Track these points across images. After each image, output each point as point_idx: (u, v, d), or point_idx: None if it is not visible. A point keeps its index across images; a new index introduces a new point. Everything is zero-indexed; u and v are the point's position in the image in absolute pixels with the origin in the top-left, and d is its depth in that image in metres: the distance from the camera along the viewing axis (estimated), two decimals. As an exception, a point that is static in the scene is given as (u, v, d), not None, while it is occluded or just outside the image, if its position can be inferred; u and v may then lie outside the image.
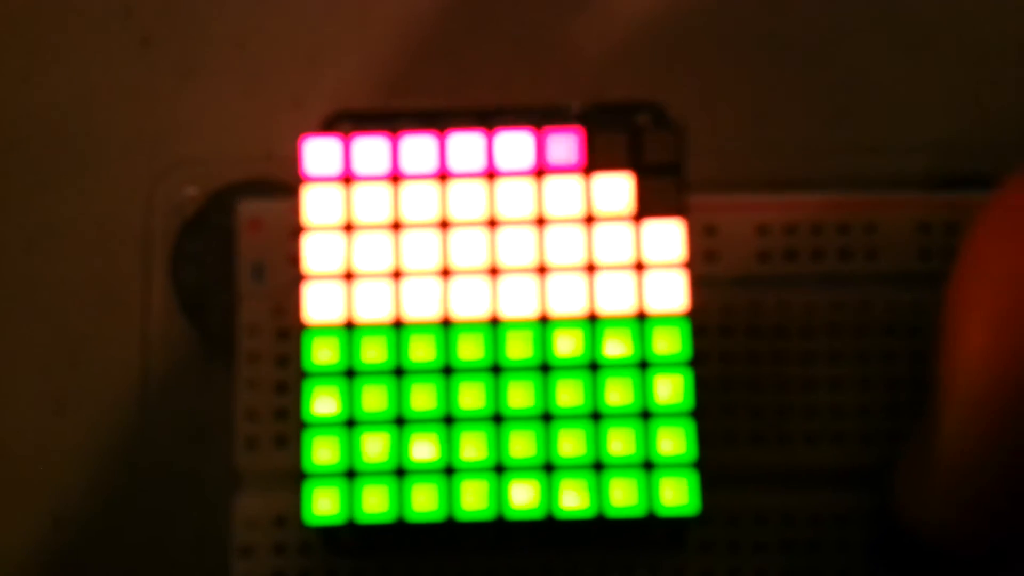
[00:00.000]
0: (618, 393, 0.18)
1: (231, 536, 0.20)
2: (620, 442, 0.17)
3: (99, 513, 0.21)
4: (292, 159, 0.19)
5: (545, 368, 0.18)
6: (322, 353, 0.18)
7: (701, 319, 0.20)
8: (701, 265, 0.20)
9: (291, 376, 0.20)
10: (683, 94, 0.22)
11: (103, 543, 0.21)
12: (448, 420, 0.17)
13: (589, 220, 0.18)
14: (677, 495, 0.17)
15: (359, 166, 0.18)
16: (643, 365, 0.18)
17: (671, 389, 0.18)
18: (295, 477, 0.18)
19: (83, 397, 0.22)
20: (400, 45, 0.23)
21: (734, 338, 0.20)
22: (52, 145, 0.23)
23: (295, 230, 0.20)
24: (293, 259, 0.20)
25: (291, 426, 0.20)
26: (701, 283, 0.20)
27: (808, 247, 0.21)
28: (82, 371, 0.22)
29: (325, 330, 0.18)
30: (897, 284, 0.20)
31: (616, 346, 0.18)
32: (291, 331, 0.20)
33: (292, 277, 0.20)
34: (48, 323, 0.22)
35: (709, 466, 0.19)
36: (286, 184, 0.21)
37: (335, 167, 0.18)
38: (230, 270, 0.21)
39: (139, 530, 0.21)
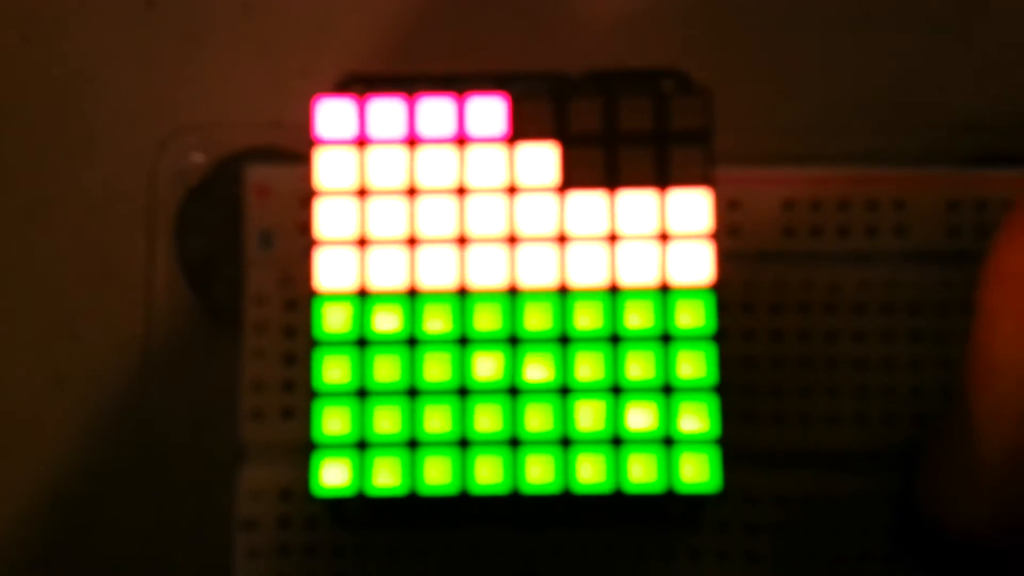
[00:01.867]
0: (639, 367, 0.17)
1: (235, 509, 0.19)
2: (640, 417, 0.17)
3: (100, 487, 0.21)
4: (300, 127, 0.18)
5: (564, 340, 0.17)
6: (333, 321, 0.17)
7: (724, 295, 0.19)
8: (725, 240, 0.20)
9: (299, 347, 0.19)
10: (706, 67, 0.22)
11: (104, 518, 0.21)
12: (463, 392, 0.17)
13: (612, 188, 0.17)
14: (697, 472, 0.17)
15: (374, 129, 0.18)
16: (665, 338, 0.17)
17: (694, 364, 0.17)
18: (302, 450, 0.17)
19: (84, 369, 0.21)
20: (411, 11, 0.22)
21: (757, 315, 0.20)
22: (54, 110, 0.22)
23: (304, 197, 0.19)
24: (302, 227, 0.19)
25: (298, 398, 0.19)
26: (724, 258, 0.19)
27: (834, 223, 0.20)
28: (84, 342, 0.21)
29: (337, 297, 0.17)
30: (925, 262, 0.20)
31: (638, 318, 0.17)
32: (299, 301, 0.19)
33: (301, 246, 0.19)
34: (49, 293, 0.22)
35: (729, 444, 0.19)
36: (294, 152, 0.20)
37: (349, 130, 0.17)
38: (236, 240, 0.20)
39: (142, 504, 0.20)
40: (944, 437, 0.17)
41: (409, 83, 0.18)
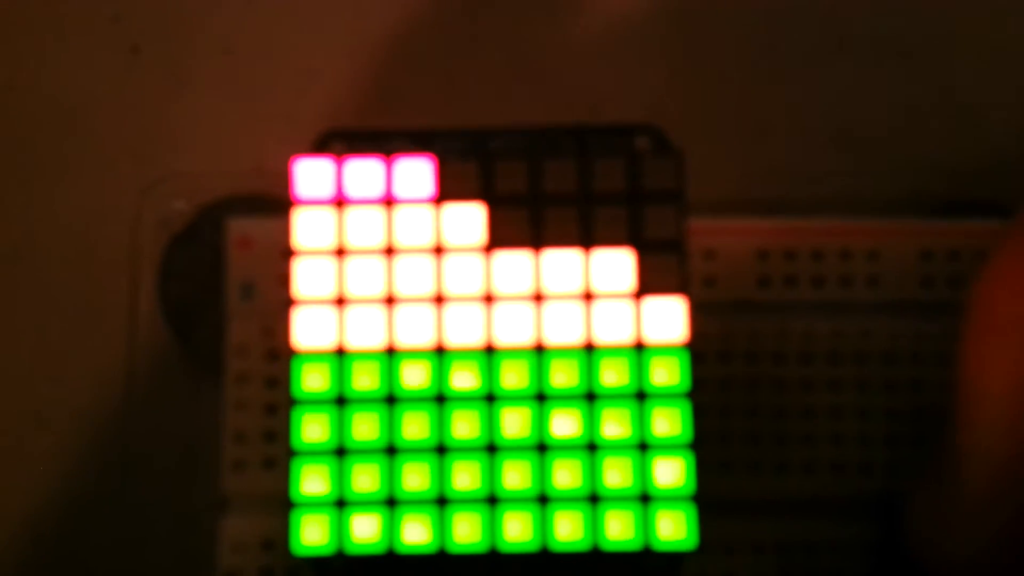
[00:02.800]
0: (615, 424, 0.17)
1: (217, 560, 0.19)
2: (617, 474, 0.17)
3: (80, 532, 0.21)
4: (283, 174, 0.19)
5: (541, 398, 0.17)
6: (312, 380, 0.17)
7: (699, 345, 0.19)
8: (700, 290, 0.20)
9: (280, 398, 0.19)
10: (682, 116, 0.22)
11: (83, 562, 0.21)
12: (441, 449, 0.17)
13: (586, 248, 0.18)
14: (674, 528, 0.17)
15: (352, 189, 0.18)
16: (640, 396, 0.17)
17: (669, 420, 0.17)
18: (283, 501, 0.17)
19: (66, 411, 0.21)
20: (394, 59, 0.23)
21: (733, 364, 0.20)
22: (38, 153, 0.22)
23: (285, 249, 0.19)
24: (283, 279, 0.20)
25: (280, 448, 0.19)
26: (700, 309, 0.20)
27: (809, 273, 0.20)
28: (66, 384, 0.22)
29: (315, 356, 0.17)
30: (899, 312, 0.20)
31: (614, 375, 0.17)
32: (280, 352, 0.20)
33: (282, 297, 0.19)
34: (31, 335, 0.22)
35: (706, 495, 0.19)
36: (277, 200, 0.21)
37: (327, 189, 0.18)
38: (219, 286, 0.20)
39: (121, 550, 0.21)
40: (931, 474, 0.17)
41: (387, 139, 0.19)
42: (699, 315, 0.20)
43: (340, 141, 0.19)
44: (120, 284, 0.22)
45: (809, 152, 0.22)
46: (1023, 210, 0.16)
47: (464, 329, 0.17)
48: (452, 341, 0.17)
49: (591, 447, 0.17)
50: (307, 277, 0.17)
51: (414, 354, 0.17)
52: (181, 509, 0.20)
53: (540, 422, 0.17)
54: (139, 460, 0.21)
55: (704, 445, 0.19)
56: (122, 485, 0.21)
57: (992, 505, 0.16)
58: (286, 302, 0.18)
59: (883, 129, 0.22)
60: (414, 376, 0.17)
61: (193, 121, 0.22)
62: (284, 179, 0.18)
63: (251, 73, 0.23)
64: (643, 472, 0.17)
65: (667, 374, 0.17)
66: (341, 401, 0.17)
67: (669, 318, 0.17)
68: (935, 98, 0.22)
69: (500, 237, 0.18)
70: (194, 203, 0.21)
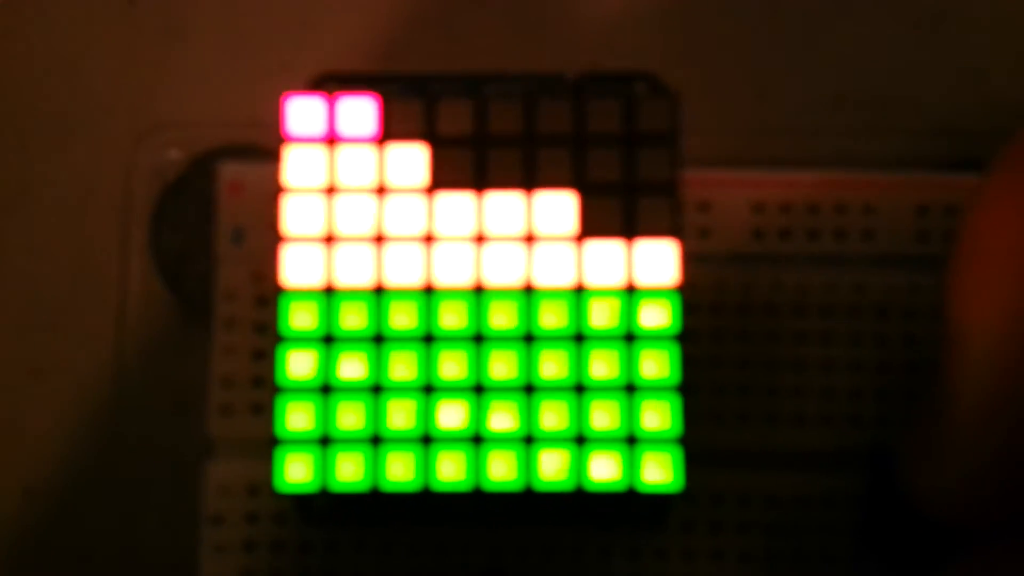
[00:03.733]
0: (603, 366, 0.17)
1: (202, 504, 0.19)
2: (604, 415, 0.17)
3: (71, 482, 0.21)
4: (278, 124, 0.19)
5: (529, 338, 0.17)
6: (300, 317, 0.17)
7: (692, 296, 0.19)
8: (694, 241, 0.20)
9: (269, 343, 0.19)
10: (681, 71, 0.22)
11: (74, 513, 0.21)
12: (427, 389, 0.17)
13: (577, 190, 0.18)
14: (660, 471, 0.17)
15: (343, 127, 0.18)
16: (629, 338, 0.17)
17: (658, 363, 0.17)
18: (269, 446, 0.17)
19: (58, 363, 0.21)
20: (392, 10, 0.23)
21: (725, 316, 0.20)
22: (31, 104, 0.22)
23: (276, 195, 0.20)
24: (274, 224, 0.19)
25: (267, 394, 0.19)
26: (693, 259, 0.20)
27: (804, 226, 0.20)
28: (58, 336, 0.21)
29: (303, 294, 0.17)
30: (893, 266, 0.20)
31: (602, 317, 0.17)
32: (270, 298, 0.20)
33: (272, 242, 0.19)
34: (24, 287, 0.22)
35: (695, 444, 0.19)
36: (272, 150, 0.20)
37: (319, 127, 0.18)
38: (211, 236, 0.20)
39: (112, 499, 0.21)
40: (921, 416, 0.17)
41: (381, 83, 0.18)
42: (692, 266, 0.20)
43: (334, 84, 0.18)
44: (112, 233, 0.22)
45: (809, 112, 0.22)
46: (1013, 142, 0.16)
47: (454, 269, 0.17)
48: (441, 281, 0.17)
49: (578, 388, 0.17)
50: (297, 215, 0.17)
51: (402, 294, 0.17)
52: (173, 457, 0.20)
53: (528, 363, 0.17)
54: (131, 408, 0.21)
55: (694, 396, 0.19)
56: (114, 433, 0.21)
57: (982, 434, 0.16)
58: (275, 239, 0.17)
59: (884, 90, 0.22)
60: (402, 316, 0.17)
61: (189, 71, 0.22)
62: (278, 130, 0.18)
63: (248, 24, 0.23)
64: (630, 414, 0.17)
65: (657, 316, 0.17)
66: (328, 339, 0.17)
67: (661, 261, 0.17)
68: (936, 60, 0.22)
69: (494, 179, 0.18)
70: (188, 153, 0.21)
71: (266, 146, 0.21)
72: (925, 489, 0.17)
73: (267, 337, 0.19)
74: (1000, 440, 0.15)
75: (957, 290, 0.16)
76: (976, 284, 0.15)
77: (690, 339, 0.19)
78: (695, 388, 0.19)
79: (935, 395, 0.17)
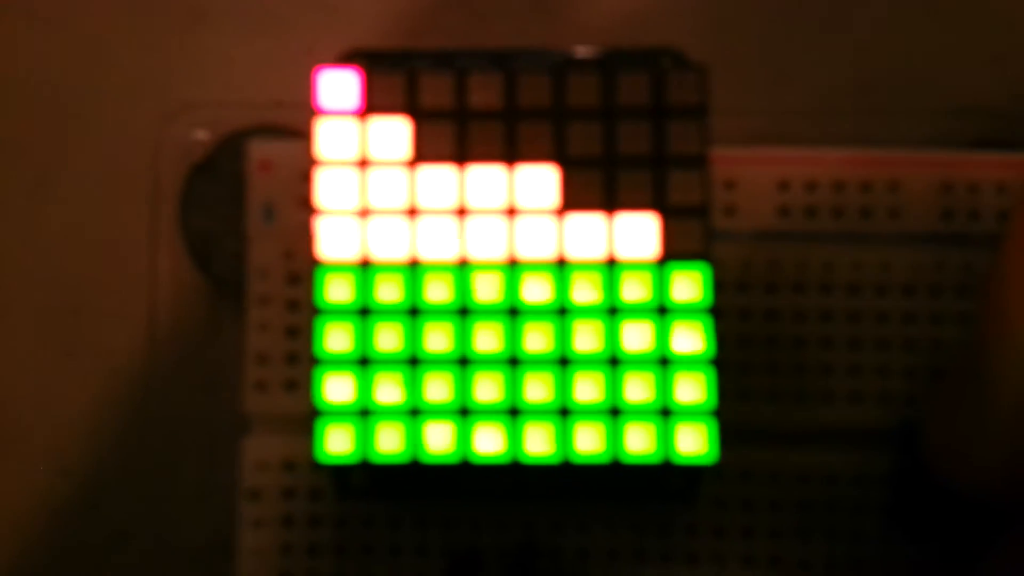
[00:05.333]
0: (637, 338, 0.17)
1: (239, 480, 0.19)
2: (638, 388, 0.17)
3: (106, 461, 0.21)
4: (304, 106, 0.19)
5: (563, 311, 0.17)
6: (336, 290, 0.17)
7: (719, 274, 0.20)
8: (720, 219, 0.20)
9: (301, 320, 0.19)
10: (704, 51, 0.22)
11: (110, 492, 0.21)
12: (463, 362, 0.17)
13: (610, 163, 0.18)
14: (694, 443, 0.17)
15: (376, 101, 0.18)
16: (662, 311, 0.17)
17: (691, 336, 0.17)
18: (305, 421, 0.17)
19: (91, 343, 0.21)
20: (416, -8, 0.23)
21: (752, 294, 0.20)
22: (59, 85, 0.22)
23: (306, 172, 0.20)
24: (303, 201, 0.20)
25: (301, 370, 0.19)
26: (720, 237, 0.20)
27: (829, 204, 0.20)
28: (90, 317, 0.22)
29: (339, 267, 0.17)
30: (919, 244, 0.20)
31: (635, 291, 0.17)
32: (301, 275, 0.20)
33: (302, 220, 0.20)
34: (54, 267, 0.22)
35: (725, 422, 0.19)
36: (298, 130, 0.21)
37: (351, 101, 0.18)
38: (239, 216, 0.20)
39: (147, 477, 0.21)
40: (955, 386, 0.17)
41: (411, 59, 0.19)
42: (719, 244, 0.20)
43: (363, 60, 0.19)
44: (141, 213, 0.22)
45: (832, 94, 0.22)
46: None
47: (488, 243, 0.17)
48: (475, 255, 0.17)
49: (613, 361, 0.17)
50: (330, 188, 0.17)
51: (437, 267, 0.17)
52: (206, 434, 0.20)
53: (562, 336, 0.17)
54: (163, 387, 0.21)
55: (723, 373, 0.19)
56: (147, 412, 0.21)
57: (1016, 419, 0.15)
58: (307, 220, 0.18)
59: (905, 71, 0.22)
60: (437, 289, 0.17)
61: (215, 52, 0.22)
62: (304, 111, 0.19)
63: (273, 5, 0.23)
64: (664, 387, 0.17)
65: (689, 289, 0.17)
66: (364, 312, 0.17)
67: (692, 235, 0.17)
68: (961, 42, 0.22)
69: (524, 152, 0.18)
70: (215, 133, 0.22)
71: (292, 126, 0.21)
72: (962, 468, 0.17)
73: (300, 314, 0.19)
74: None
75: (1010, 277, 0.16)
76: None
77: (718, 317, 0.19)
78: (723, 367, 0.19)
79: (973, 375, 0.16)
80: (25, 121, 0.22)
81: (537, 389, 0.17)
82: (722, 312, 0.20)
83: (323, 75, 0.18)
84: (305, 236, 0.19)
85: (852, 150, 0.20)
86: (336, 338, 0.17)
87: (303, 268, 0.20)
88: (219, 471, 0.20)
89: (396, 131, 0.18)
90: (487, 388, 0.17)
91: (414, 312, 0.17)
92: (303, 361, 0.19)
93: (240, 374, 0.19)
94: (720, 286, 0.20)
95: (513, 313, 0.17)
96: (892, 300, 0.20)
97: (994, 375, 0.16)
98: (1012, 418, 0.16)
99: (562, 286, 0.17)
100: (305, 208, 0.20)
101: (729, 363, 0.19)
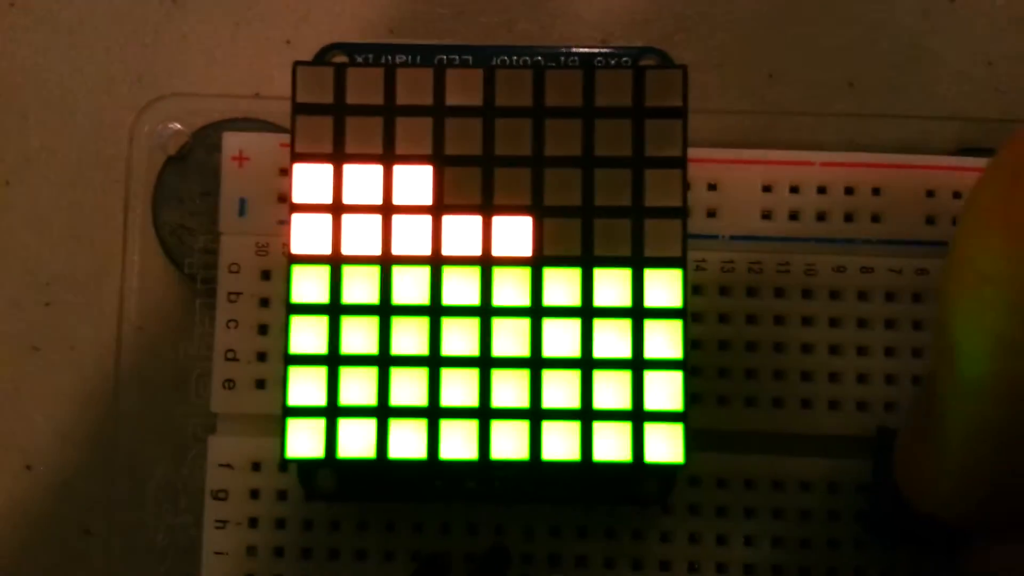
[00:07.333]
0: (610, 341, 0.17)
1: (205, 479, 0.19)
2: (610, 390, 0.17)
3: (73, 457, 0.21)
4: (280, 98, 0.18)
5: (536, 312, 0.17)
6: (307, 287, 0.17)
7: (700, 276, 0.19)
8: (702, 222, 0.20)
9: (272, 317, 0.19)
10: (691, 52, 0.22)
11: (76, 488, 0.21)
12: (434, 362, 0.17)
13: (590, 163, 0.17)
14: (665, 446, 0.17)
15: (352, 97, 0.17)
16: (636, 313, 0.17)
17: (664, 339, 0.17)
18: (273, 421, 0.17)
19: (60, 338, 0.21)
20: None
21: (733, 297, 0.20)
22: (32, 75, 0.22)
23: (281, 166, 0.19)
24: (278, 195, 0.19)
25: (271, 369, 0.19)
26: (701, 239, 0.19)
27: (812, 207, 0.20)
28: (60, 311, 0.21)
29: (311, 263, 0.17)
30: (901, 249, 0.20)
31: (609, 293, 0.17)
32: (273, 271, 0.19)
33: (276, 215, 0.19)
34: (26, 258, 0.21)
35: (700, 426, 0.19)
36: (274, 124, 0.20)
37: (327, 97, 0.17)
38: (213, 209, 0.20)
39: (114, 474, 0.20)
40: (915, 414, 0.17)
41: (389, 53, 0.18)
42: (701, 246, 0.19)
43: (340, 54, 0.18)
44: (115, 205, 0.21)
45: (818, 97, 0.22)
46: (1001, 150, 0.14)
47: (461, 241, 0.17)
48: (449, 252, 0.17)
49: (585, 363, 0.17)
50: (305, 184, 0.17)
51: (409, 265, 0.17)
52: (175, 432, 0.20)
53: (535, 337, 0.17)
54: (132, 382, 0.21)
55: (701, 378, 0.19)
56: (114, 407, 0.21)
57: (969, 453, 0.15)
58: (281, 216, 0.17)
59: (892, 76, 0.22)
60: (410, 287, 0.17)
61: (191, 44, 0.22)
62: (281, 103, 0.18)
63: (253, -3, 0.22)
64: (636, 389, 0.17)
65: (664, 292, 0.17)
66: (335, 309, 0.17)
67: (668, 237, 0.17)
68: (946, 47, 0.22)
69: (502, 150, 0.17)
70: (190, 125, 0.21)
71: (267, 119, 0.21)
72: (922, 493, 0.17)
73: (270, 311, 0.19)
74: (987, 462, 0.15)
75: (951, 305, 0.14)
76: (966, 307, 0.14)
77: (697, 322, 0.19)
78: (702, 371, 0.19)
79: (927, 401, 0.16)
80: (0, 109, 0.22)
81: (508, 390, 0.17)
82: (702, 315, 0.19)
83: (301, 70, 0.17)
84: (278, 232, 0.19)
85: (836, 153, 0.20)
86: (307, 336, 0.17)
87: (275, 265, 0.19)
88: (187, 470, 0.19)
89: (373, 127, 0.17)
90: (458, 389, 0.17)
91: (385, 311, 0.17)
92: (273, 359, 0.19)
93: (210, 373, 0.19)
94: (700, 289, 0.19)
95: (485, 313, 0.17)
96: (874, 305, 0.20)
97: (942, 405, 0.15)
98: (959, 449, 0.15)
99: (536, 287, 0.17)
100: (280, 202, 0.19)
101: (707, 367, 0.19)
